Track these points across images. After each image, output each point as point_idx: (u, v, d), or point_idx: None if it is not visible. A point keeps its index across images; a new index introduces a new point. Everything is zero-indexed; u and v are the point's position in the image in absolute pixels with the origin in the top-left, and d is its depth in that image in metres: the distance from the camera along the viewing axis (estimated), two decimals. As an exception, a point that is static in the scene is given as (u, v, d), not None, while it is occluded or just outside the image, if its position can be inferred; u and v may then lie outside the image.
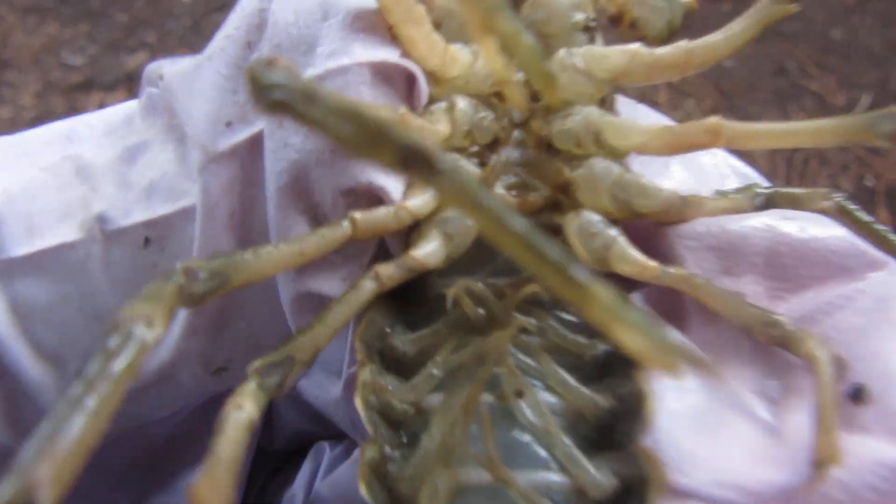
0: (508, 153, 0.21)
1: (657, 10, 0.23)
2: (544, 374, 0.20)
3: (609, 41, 0.23)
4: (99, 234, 0.22)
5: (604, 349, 0.20)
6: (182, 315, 0.21)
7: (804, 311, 0.21)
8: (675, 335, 0.12)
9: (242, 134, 0.21)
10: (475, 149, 0.22)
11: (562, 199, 0.21)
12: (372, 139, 0.12)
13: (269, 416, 0.38)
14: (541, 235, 0.11)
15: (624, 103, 0.24)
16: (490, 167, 0.21)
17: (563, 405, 0.19)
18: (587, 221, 0.21)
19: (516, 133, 0.21)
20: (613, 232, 0.21)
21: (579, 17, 0.22)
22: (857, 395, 0.20)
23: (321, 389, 0.35)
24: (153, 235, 0.22)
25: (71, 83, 0.99)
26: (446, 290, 0.20)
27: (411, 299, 0.21)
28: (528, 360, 0.20)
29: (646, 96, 0.95)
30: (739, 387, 0.20)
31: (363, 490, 0.19)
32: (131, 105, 0.24)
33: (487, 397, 0.19)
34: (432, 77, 0.20)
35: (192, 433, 0.32)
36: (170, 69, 0.22)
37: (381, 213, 0.19)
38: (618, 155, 0.21)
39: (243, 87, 0.20)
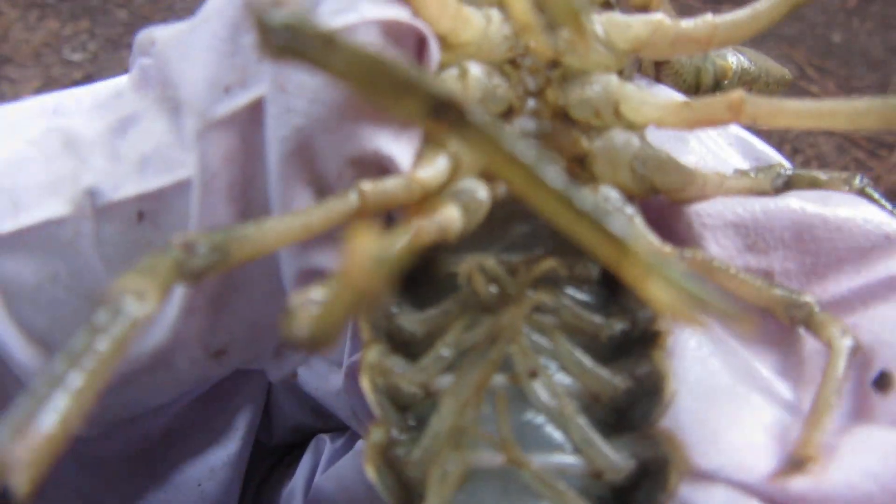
0: (523, 123, 0.20)
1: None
2: (559, 354, 0.19)
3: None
4: (89, 208, 0.20)
5: (621, 329, 0.19)
6: (179, 293, 0.20)
7: (841, 293, 0.20)
8: (712, 288, 0.11)
9: (242, 99, 0.19)
10: None
11: (578, 172, 0.21)
12: (399, 88, 0.11)
13: (268, 409, 0.37)
14: (577, 187, 0.10)
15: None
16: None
17: (579, 386, 0.19)
18: (604, 198, 0.20)
19: (531, 102, 0.20)
20: (630, 211, 0.20)
21: None
22: (883, 383, 0.19)
23: (321, 380, 0.34)
24: (147, 210, 0.21)
25: (72, 79, 0.98)
26: (456, 268, 0.19)
27: (419, 279, 0.20)
28: (542, 340, 0.19)
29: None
30: (761, 367, 0.19)
31: (371, 473, 0.18)
32: (121, 80, 0.23)
33: (500, 378, 0.18)
34: (443, 41, 0.19)
35: (190, 425, 0.32)
36: (162, 34, 0.21)
37: (391, 184, 0.18)
38: (635, 128, 0.20)
39: (242, 49, 0.19)
